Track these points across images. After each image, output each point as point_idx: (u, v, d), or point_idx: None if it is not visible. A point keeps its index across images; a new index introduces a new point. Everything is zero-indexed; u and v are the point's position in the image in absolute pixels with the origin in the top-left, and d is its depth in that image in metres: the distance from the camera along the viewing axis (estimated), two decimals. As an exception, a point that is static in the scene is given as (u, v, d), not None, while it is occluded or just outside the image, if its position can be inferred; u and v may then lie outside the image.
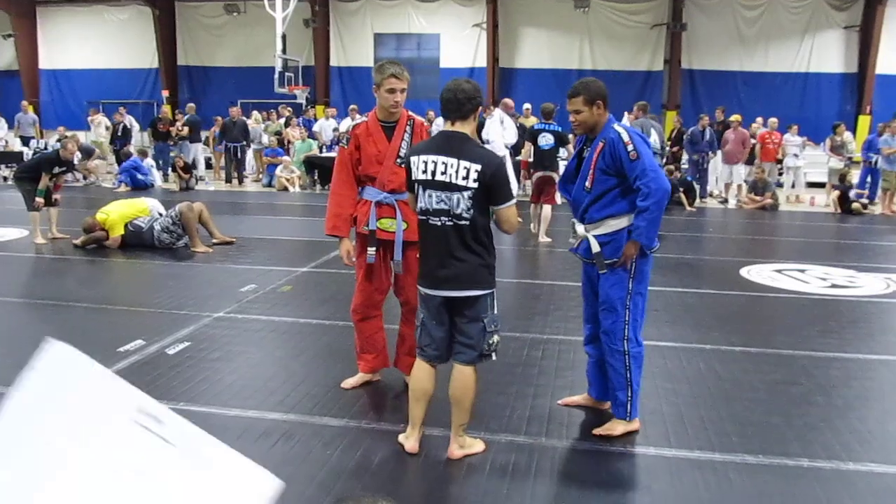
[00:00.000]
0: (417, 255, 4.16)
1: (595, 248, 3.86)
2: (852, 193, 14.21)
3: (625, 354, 3.89)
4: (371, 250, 4.28)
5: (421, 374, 3.65)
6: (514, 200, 3.49)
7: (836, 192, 14.16)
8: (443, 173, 3.36)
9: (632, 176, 3.69)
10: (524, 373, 4.84)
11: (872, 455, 3.75)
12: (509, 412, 4.19)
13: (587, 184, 3.84)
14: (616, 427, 3.95)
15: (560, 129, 10.11)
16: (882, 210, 14.12)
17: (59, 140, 18.31)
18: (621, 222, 3.83)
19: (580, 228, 3.92)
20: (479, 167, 3.33)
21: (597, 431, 3.96)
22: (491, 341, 3.52)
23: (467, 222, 3.37)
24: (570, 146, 10.67)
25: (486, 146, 11.58)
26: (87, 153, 17.51)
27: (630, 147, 3.68)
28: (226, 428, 3.95)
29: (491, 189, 3.37)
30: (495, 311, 3.54)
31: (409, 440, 3.70)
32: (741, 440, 3.88)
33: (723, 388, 4.65)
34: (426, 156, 3.43)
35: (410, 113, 4.33)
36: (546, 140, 9.92)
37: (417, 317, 3.69)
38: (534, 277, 8.34)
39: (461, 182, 3.34)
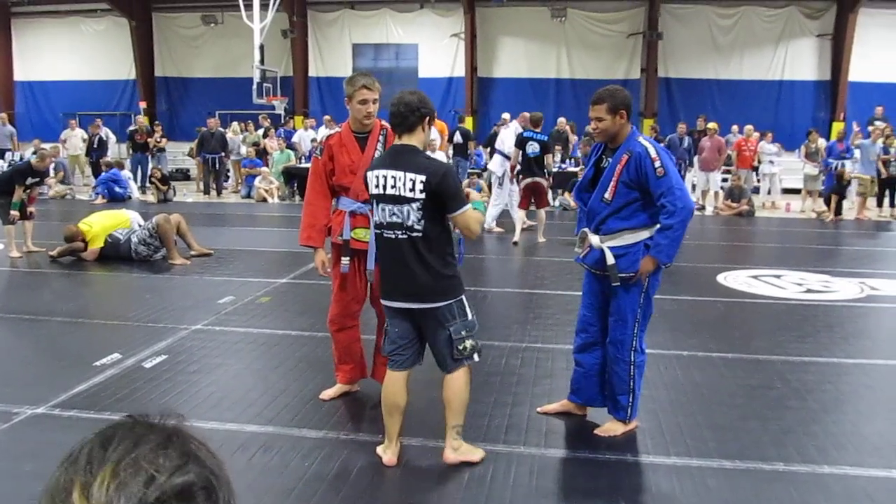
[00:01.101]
0: None
1: (610, 259, 3.84)
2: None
3: (630, 364, 3.94)
4: (345, 260, 4.30)
5: (391, 387, 3.64)
6: (468, 206, 3.50)
7: (835, 197, 14.26)
8: (392, 187, 3.42)
9: (657, 192, 3.69)
10: (502, 381, 4.85)
11: (847, 458, 3.79)
12: (487, 421, 4.20)
13: (607, 195, 3.82)
14: (617, 428, 4.03)
15: (546, 137, 10.42)
16: (855, 215, 14.30)
17: (34, 152, 18.13)
18: (638, 235, 3.83)
19: (595, 239, 3.90)
20: (423, 178, 3.37)
21: (598, 431, 4.04)
22: (461, 347, 3.52)
23: (419, 233, 3.42)
24: (550, 156, 10.85)
25: (497, 156, 11.70)
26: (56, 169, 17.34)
27: (657, 163, 3.68)
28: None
29: (441, 198, 3.40)
30: (467, 318, 3.54)
31: (387, 453, 3.69)
32: (718, 445, 3.91)
33: (700, 393, 4.68)
34: (378, 170, 3.49)
35: (384, 122, 4.34)
36: (533, 148, 10.24)
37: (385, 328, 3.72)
38: (512, 286, 8.36)
39: (409, 194, 3.39)
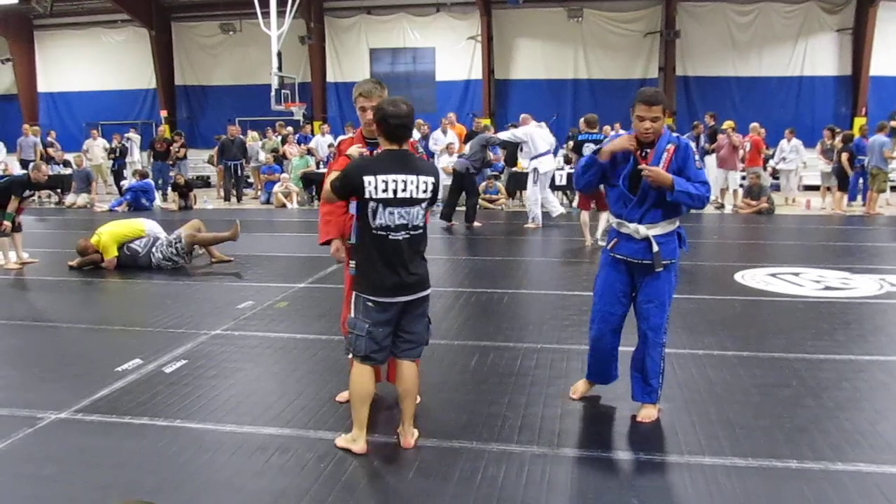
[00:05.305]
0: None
1: (655, 247, 4.06)
2: None
3: (662, 346, 4.20)
4: (353, 263, 4.35)
5: (368, 379, 3.85)
6: None
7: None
8: (403, 190, 3.63)
9: (695, 181, 4.01)
10: (517, 382, 4.88)
11: (861, 455, 3.78)
12: (501, 422, 4.23)
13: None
14: (652, 412, 4.26)
15: (602, 137, 10.35)
16: (866, 210, 14.18)
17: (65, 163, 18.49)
18: (673, 224, 4.13)
19: (642, 229, 4.07)
20: (432, 179, 3.74)
21: (641, 419, 4.23)
22: (430, 329, 3.99)
23: (421, 231, 3.74)
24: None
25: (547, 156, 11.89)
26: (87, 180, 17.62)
27: (696, 157, 4.09)
28: (221, 443, 4.00)
29: (435, 195, 3.79)
30: None
31: (358, 442, 3.85)
32: (731, 444, 3.91)
33: (714, 392, 4.69)
34: (385, 175, 3.61)
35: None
36: (590, 150, 10.14)
37: (355, 326, 3.76)
38: (527, 287, 8.37)
39: (421, 196, 3.68)
